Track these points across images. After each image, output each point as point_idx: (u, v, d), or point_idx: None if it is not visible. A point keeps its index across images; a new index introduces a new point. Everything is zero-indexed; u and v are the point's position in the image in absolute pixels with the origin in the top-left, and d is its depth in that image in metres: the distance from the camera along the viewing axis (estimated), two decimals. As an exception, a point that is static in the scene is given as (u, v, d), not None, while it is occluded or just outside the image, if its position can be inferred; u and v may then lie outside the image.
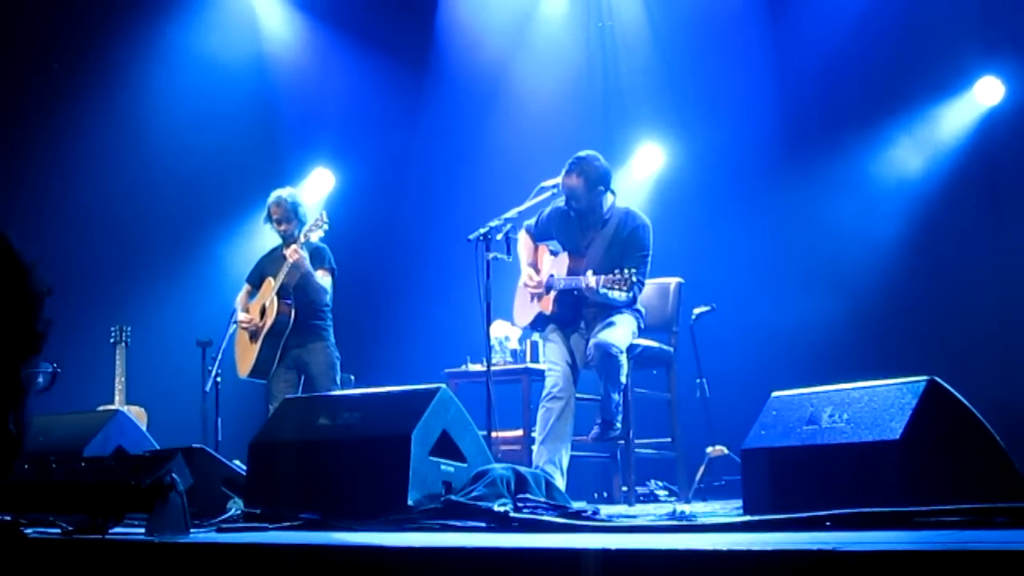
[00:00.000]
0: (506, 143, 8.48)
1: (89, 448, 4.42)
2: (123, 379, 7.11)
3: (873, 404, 3.29)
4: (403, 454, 3.58)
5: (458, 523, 3.22)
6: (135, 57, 8.30)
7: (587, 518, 3.33)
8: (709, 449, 6.39)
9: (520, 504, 3.43)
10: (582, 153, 5.60)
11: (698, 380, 6.75)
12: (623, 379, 5.44)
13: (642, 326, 5.71)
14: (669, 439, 6.10)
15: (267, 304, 6.31)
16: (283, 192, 6.46)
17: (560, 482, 5.13)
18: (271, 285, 6.31)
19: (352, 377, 7.19)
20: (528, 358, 6.65)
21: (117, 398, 7.03)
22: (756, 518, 3.02)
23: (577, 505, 3.89)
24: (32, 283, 1.84)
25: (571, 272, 5.56)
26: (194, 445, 4.18)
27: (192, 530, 3.12)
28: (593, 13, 8.90)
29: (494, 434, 5.32)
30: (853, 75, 7.64)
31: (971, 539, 2.17)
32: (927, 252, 7.30)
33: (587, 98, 8.67)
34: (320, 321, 6.38)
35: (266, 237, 6.66)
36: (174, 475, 3.09)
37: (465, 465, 3.81)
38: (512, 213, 5.55)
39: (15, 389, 1.82)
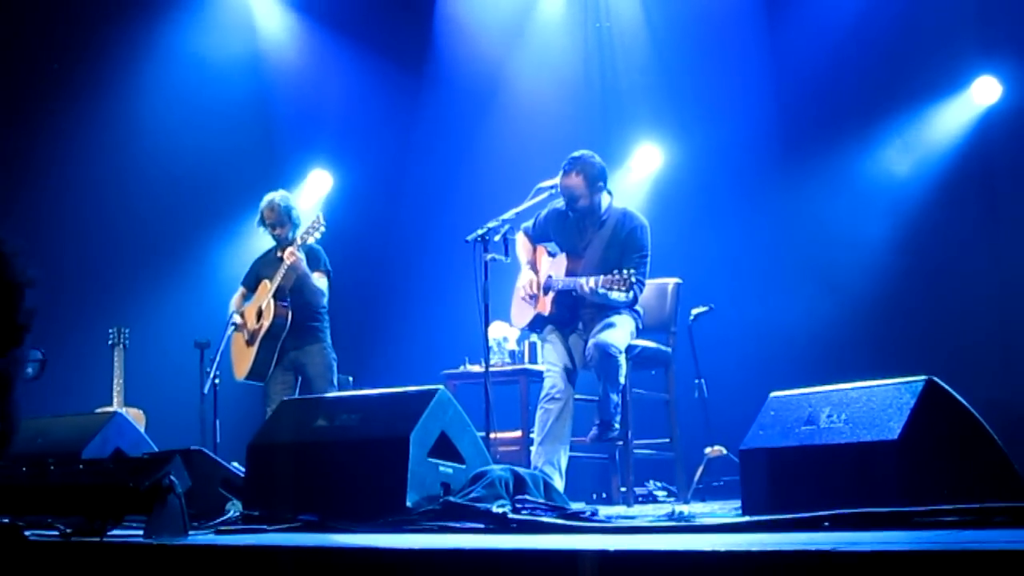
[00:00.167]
0: (504, 144, 8.48)
1: (87, 450, 4.42)
2: (121, 381, 7.11)
3: (871, 404, 3.29)
4: (401, 455, 3.58)
5: (457, 524, 3.22)
6: (133, 58, 8.29)
7: (585, 519, 3.33)
8: (708, 449, 6.39)
9: (519, 505, 3.43)
10: (577, 153, 5.60)
11: (696, 381, 6.75)
12: (621, 380, 5.44)
13: (640, 327, 5.71)
14: (667, 440, 6.10)
15: (263, 306, 6.30)
16: (275, 196, 6.43)
17: (559, 483, 5.13)
18: (267, 287, 6.31)
19: (350, 378, 7.19)
20: (526, 359, 6.65)
21: (115, 400, 7.02)
22: (755, 519, 3.02)
23: (576, 506, 3.89)
24: (12, 273, 1.76)
25: (569, 273, 5.56)
26: (192, 447, 4.18)
27: (190, 532, 3.12)
28: (591, 14, 8.89)
29: (492, 435, 5.32)
30: (851, 75, 7.64)
31: (970, 539, 2.17)
32: (925, 252, 7.30)
33: (585, 99, 8.67)
34: (317, 323, 6.37)
35: (264, 239, 6.66)
36: (172, 477, 3.09)
37: (463, 466, 3.80)
38: (510, 214, 5.55)
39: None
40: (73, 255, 7.89)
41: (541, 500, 3.63)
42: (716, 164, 8.02)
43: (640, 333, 5.73)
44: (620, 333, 5.45)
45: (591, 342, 5.40)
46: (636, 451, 5.87)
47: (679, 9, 8.41)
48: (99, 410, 6.50)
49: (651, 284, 5.92)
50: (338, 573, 2.42)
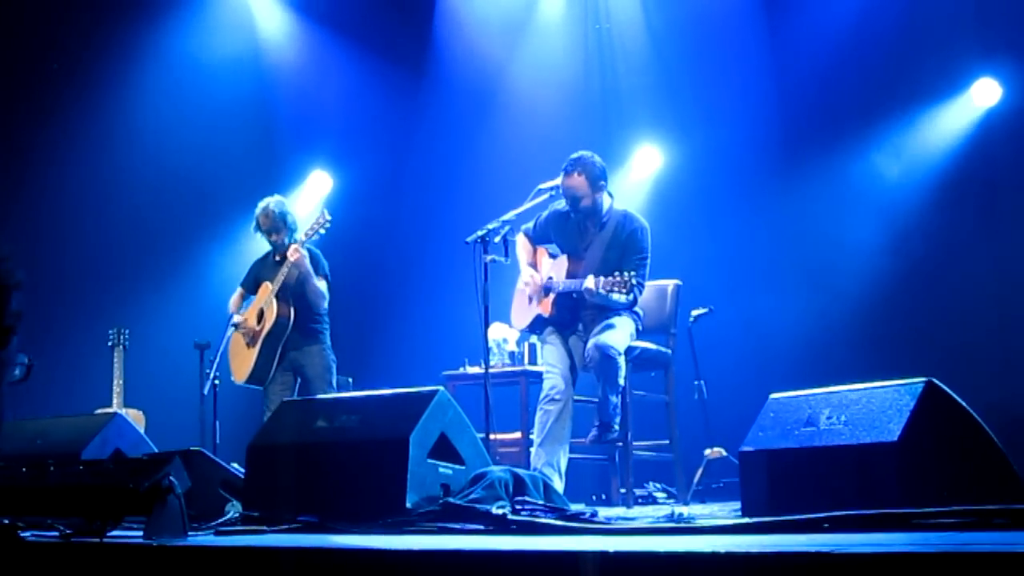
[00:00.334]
0: (504, 145, 8.48)
1: (87, 451, 4.42)
2: (121, 382, 7.11)
3: (871, 406, 3.29)
4: (401, 457, 3.58)
5: (456, 526, 3.22)
6: (133, 58, 8.30)
7: (585, 520, 3.33)
8: (707, 451, 6.40)
9: (518, 506, 3.43)
10: (577, 153, 5.60)
11: (696, 382, 6.76)
12: (621, 381, 5.44)
13: (640, 328, 5.71)
14: (667, 441, 6.10)
15: (265, 307, 6.30)
16: (270, 201, 6.41)
17: (558, 484, 5.13)
18: (268, 289, 6.30)
19: (350, 380, 7.19)
20: (526, 360, 6.65)
21: (115, 401, 7.02)
22: (754, 520, 3.02)
23: (575, 507, 3.89)
24: None
25: (570, 275, 5.56)
26: (192, 448, 4.18)
27: (190, 533, 3.12)
28: (591, 15, 8.90)
29: (492, 436, 5.32)
30: (851, 76, 7.64)
31: (969, 541, 2.17)
32: (924, 253, 7.30)
33: (585, 100, 8.68)
34: (317, 324, 6.37)
35: (264, 241, 6.66)
36: (172, 478, 3.09)
37: (463, 467, 3.80)
38: (510, 215, 5.55)
39: None
40: (73, 256, 7.89)
41: (541, 501, 3.62)
42: (716, 166, 8.02)
43: (640, 335, 5.73)
44: (620, 335, 5.45)
45: (591, 343, 5.40)
46: (636, 452, 5.87)
47: (679, 10, 8.41)
48: (99, 411, 6.50)
49: (651, 286, 5.92)
50: (338, 574, 2.42)
